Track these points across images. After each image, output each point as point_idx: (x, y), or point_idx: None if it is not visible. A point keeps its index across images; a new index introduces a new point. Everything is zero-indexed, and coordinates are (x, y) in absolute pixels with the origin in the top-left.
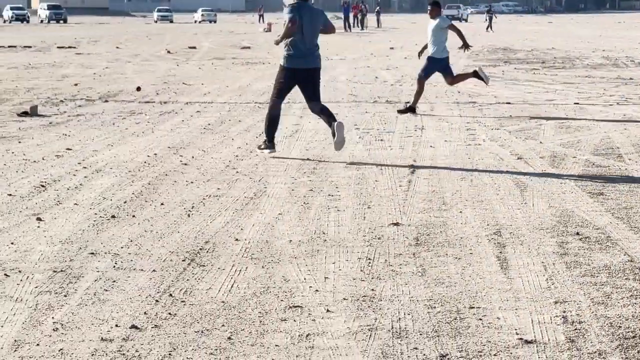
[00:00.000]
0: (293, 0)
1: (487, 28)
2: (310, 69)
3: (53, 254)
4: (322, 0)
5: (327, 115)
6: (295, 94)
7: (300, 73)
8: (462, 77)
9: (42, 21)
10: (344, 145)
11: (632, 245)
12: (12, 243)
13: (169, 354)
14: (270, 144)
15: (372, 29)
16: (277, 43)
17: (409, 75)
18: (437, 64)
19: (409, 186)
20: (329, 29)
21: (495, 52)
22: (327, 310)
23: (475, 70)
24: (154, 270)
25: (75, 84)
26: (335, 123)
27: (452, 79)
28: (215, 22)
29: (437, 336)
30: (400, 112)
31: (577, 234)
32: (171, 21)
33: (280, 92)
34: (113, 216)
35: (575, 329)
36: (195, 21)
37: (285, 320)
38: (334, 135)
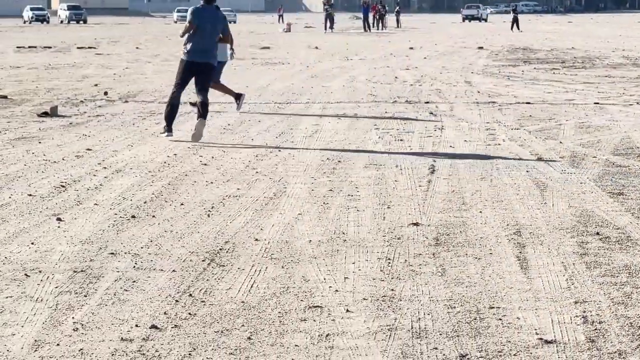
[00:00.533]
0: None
1: (512, 27)
2: (204, 63)
3: (73, 254)
4: (341, 1)
5: (202, 111)
6: (315, 94)
7: (196, 66)
8: (226, 89)
9: (62, 22)
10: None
11: None
12: (32, 243)
13: (189, 354)
14: (168, 127)
15: (391, 29)
16: (181, 37)
17: (428, 75)
18: (221, 66)
19: (428, 186)
20: (226, 37)
21: (514, 52)
22: (347, 310)
23: (240, 94)
24: (173, 271)
25: (96, 85)
26: (200, 119)
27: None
28: (234, 22)
29: (457, 336)
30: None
31: (597, 234)
32: None
33: (180, 83)
34: (133, 216)
35: (596, 329)
36: None
37: (305, 320)
38: (195, 128)
